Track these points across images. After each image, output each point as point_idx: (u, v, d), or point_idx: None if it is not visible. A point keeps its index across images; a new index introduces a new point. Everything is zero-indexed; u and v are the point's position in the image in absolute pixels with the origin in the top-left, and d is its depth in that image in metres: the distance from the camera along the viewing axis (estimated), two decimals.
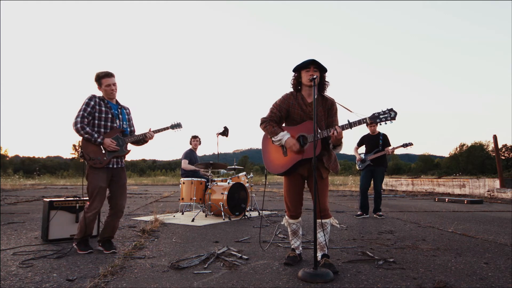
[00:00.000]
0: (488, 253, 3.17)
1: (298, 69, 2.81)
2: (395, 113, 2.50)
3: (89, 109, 3.16)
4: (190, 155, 6.64)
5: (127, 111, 3.50)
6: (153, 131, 3.44)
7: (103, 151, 3.18)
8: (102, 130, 3.23)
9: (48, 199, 3.72)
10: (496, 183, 11.48)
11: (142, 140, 3.44)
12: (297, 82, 2.85)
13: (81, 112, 3.13)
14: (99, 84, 3.27)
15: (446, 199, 9.66)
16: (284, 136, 2.72)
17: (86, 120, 3.14)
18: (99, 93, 3.34)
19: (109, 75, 3.25)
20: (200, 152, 6.95)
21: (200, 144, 6.95)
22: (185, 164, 6.52)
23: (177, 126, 3.58)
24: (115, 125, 3.30)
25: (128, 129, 3.44)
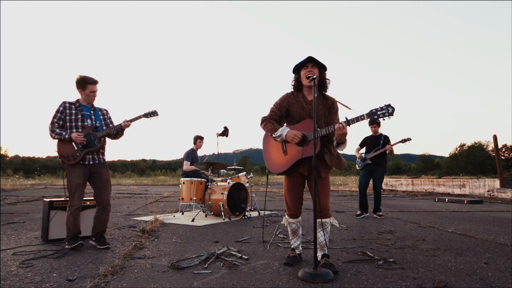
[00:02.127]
0: (488, 253, 3.17)
1: (297, 69, 2.81)
2: (393, 109, 2.45)
3: (59, 114, 3.41)
4: (192, 155, 6.65)
5: (103, 111, 3.67)
6: (128, 121, 3.54)
7: (76, 148, 3.36)
8: (74, 130, 3.42)
9: (48, 199, 3.73)
10: (496, 183, 11.48)
11: (118, 131, 3.57)
12: (297, 83, 2.84)
13: (53, 119, 3.40)
14: (83, 88, 3.47)
15: (446, 199, 9.66)
16: (284, 130, 2.71)
17: (57, 124, 3.39)
18: (75, 97, 3.54)
19: (95, 82, 3.48)
20: (200, 152, 6.98)
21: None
22: (187, 166, 6.52)
23: (151, 114, 3.59)
24: (86, 124, 3.47)
25: (104, 127, 3.59)
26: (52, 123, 3.39)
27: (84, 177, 3.37)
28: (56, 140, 3.39)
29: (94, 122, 3.51)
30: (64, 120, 3.42)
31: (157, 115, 3.61)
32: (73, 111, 3.44)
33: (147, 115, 3.59)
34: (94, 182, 3.46)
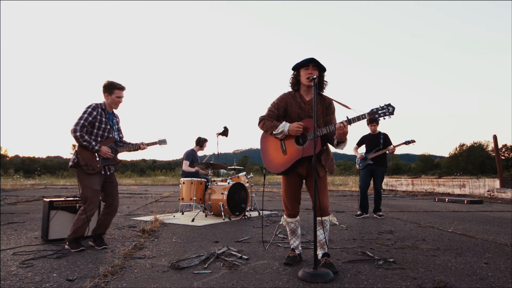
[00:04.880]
0: (488, 253, 3.17)
1: (297, 68, 2.81)
2: (393, 108, 2.46)
3: (90, 118, 3.29)
4: (192, 156, 6.65)
5: (117, 119, 3.66)
6: (145, 144, 3.67)
7: (97, 159, 3.32)
8: (99, 139, 3.39)
9: (48, 199, 3.72)
10: (496, 183, 11.48)
11: (134, 150, 3.66)
12: (296, 81, 2.85)
13: (81, 121, 3.25)
14: (110, 93, 3.42)
15: (446, 199, 9.66)
16: (284, 125, 2.70)
17: (85, 129, 3.28)
18: (100, 100, 3.48)
19: (122, 88, 3.46)
20: (200, 152, 6.98)
21: None
22: (185, 166, 6.52)
23: (163, 142, 3.82)
24: (111, 135, 3.47)
25: (118, 137, 3.61)
26: (82, 126, 3.23)
27: (101, 185, 3.37)
28: (77, 144, 3.28)
29: (114, 134, 3.52)
30: (93, 126, 3.32)
31: (166, 143, 3.85)
32: (103, 119, 3.38)
33: (161, 142, 3.80)
34: (106, 187, 3.45)
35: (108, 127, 3.43)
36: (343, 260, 2.91)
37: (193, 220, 5.24)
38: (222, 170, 7.71)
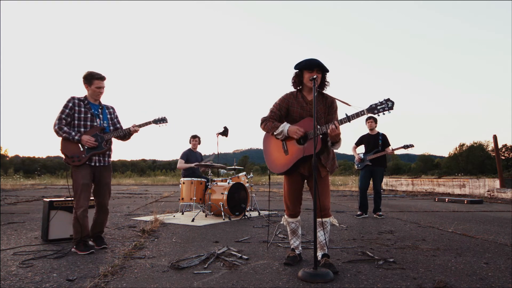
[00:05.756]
0: (488, 253, 3.17)
1: (300, 68, 2.80)
2: (392, 103, 2.44)
3: (67, 111, 3.29)
4: (187, 155, 6.66)
5: (110, 110, 3.59)
6: (137, 126, 3.51)
7: (82, 149, 3.27)
8: (82, 129, 3.33)
9: (48, 199, 3.72)
10: (496, 183, 11.48)
11: (127, 135, 3.53)
12: (298, 81, 2.83)
13: (58, 114, 3.27)
14: (89, 84, 3.38)
15: (446, 199, 9.66)
16: (284, 126, 2.71)
17: (64, 121, 3.27)
18: (82, 92, 3.46)
19: (102, 78, 3.39)
20: (201, 150, 6.98)
21: (199, 144, 6.97)
22: (180, 164, 6.58)
23: (161, 121, 3.56)
24: (95, 124, 3.39)
25: (111, 127, 3.52)
26: (60, 119, 3.24)
27: (90, 178, 3.28)
28: (61, 138, 3.26)
29: (102, 122, 3.43)
30: (72, 117, 3.29)
31: (167, 122, 3.57)
32: (82, 109, 3.33)
33: (157, 121, 3.54)
34: (95, 184, 3.40)
35: (89, 115, 3.35)
36: (343, 260, 2.91)
37: (193, 220, 5.24)
38: (222, 170, 7.71)
